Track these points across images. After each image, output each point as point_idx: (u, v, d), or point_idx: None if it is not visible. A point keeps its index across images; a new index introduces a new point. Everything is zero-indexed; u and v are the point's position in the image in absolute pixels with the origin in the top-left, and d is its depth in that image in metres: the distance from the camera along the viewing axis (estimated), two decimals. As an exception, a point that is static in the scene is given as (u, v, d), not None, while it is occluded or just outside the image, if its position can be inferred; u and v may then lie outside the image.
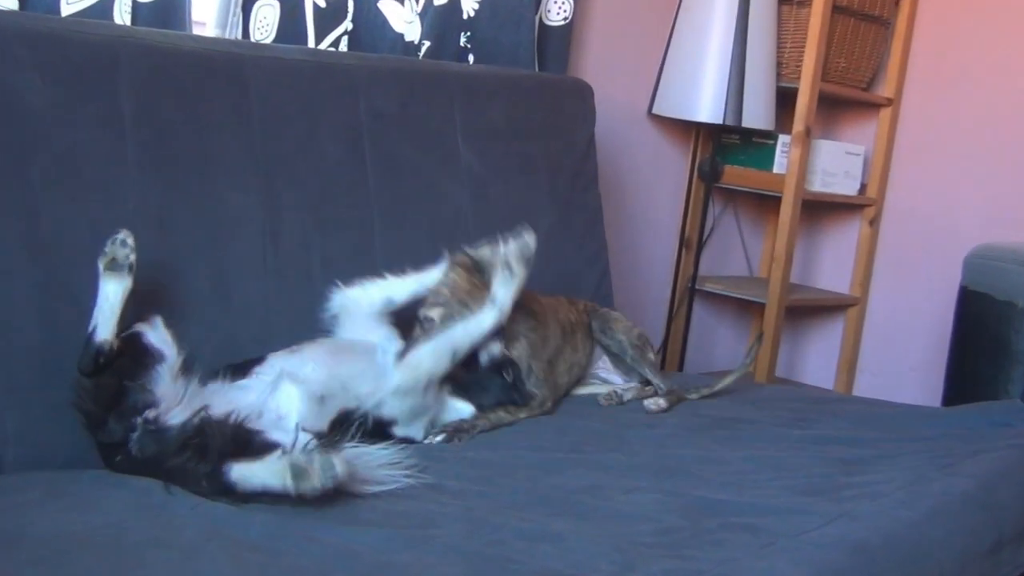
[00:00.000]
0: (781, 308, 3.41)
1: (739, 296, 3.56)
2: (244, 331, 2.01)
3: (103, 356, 1.66)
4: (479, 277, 2.09)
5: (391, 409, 1.87)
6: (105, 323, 1.66)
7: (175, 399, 1.67)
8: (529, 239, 2.07)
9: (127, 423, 1.63)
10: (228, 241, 2.08)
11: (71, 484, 1.61)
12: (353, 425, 1.81)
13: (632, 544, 1.52)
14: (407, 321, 2.08)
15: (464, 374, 2.00)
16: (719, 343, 3.86)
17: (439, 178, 2.47)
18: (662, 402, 2.29)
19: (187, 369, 1.75)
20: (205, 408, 1.65)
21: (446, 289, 2.06)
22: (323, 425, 1.79)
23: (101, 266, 1.69)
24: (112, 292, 1.68)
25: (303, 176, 2.22)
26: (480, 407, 2.03)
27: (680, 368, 3.45)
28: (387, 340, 2.02)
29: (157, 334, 1.74)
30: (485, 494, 1.69)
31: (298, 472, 1.52)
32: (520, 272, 2.04)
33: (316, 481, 1.51)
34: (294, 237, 2.18)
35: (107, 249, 1.69)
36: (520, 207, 2.62)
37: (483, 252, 2.12)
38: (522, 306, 2.15)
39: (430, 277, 2.11)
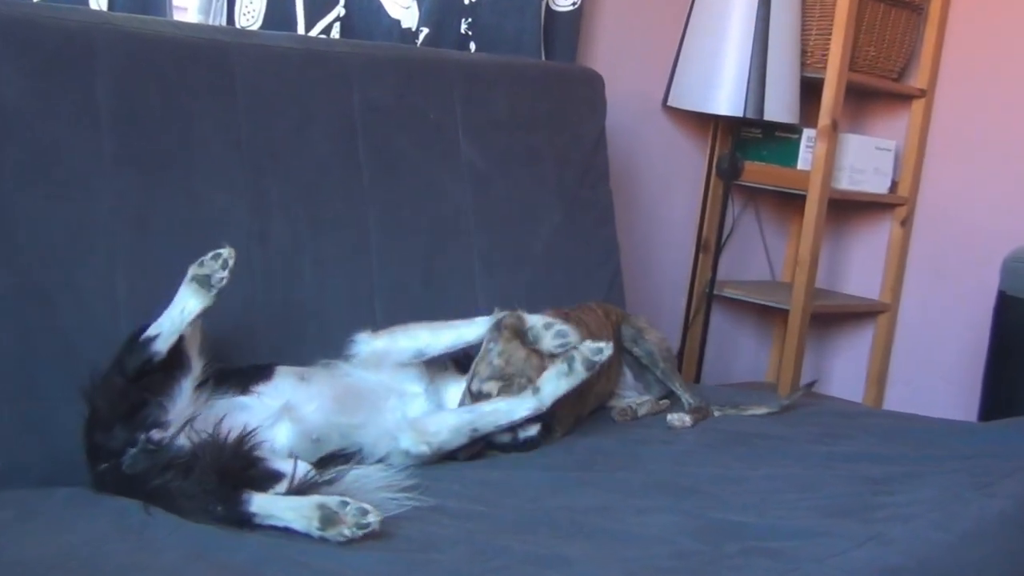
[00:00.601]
0: (806, 315, 3.41)
1: (760, 302, 3.56)
2: (229, 339, 2.01)
3: (150, 365, 1.67)
4: (528, 343, 2.05)
5: (395, 464, 1.88)
6: (168, 335, 1.69)
7: (184, 419, 1.68)
8: (606, 349, 2.00)
9: (131, 436, 1.64)
10: (212, 242, 2.07)
11: (44, 503, 1.61)
12: (344, 459, 1.83)
13: (645, 569, 1.52)
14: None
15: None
16: (739, 353, 3.86)
17: (438, 174, 2.47)
18: (687, 419, 2.29)
19: (204, 381, 1.77)
20: (204, 429, 1.67)
21: (500, 360, 2.00)
22: (311, 460, 1.80)
23: (190, 274, 1.71)
24: (191, 307, 1.70)
25: (293, 172, 2.23)
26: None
27: (697, 379, 3.45)
28: (407, 386, 2.01)
29: (194, 342, 1.76)
30: (488, 515, 1.69)
31: (328, 518, 1.52)
32: (581, 375, 1.98)
33: (346, 530, 1.52)
34: (283, 238, 2.18)
35: (205, 262, 1.72)
36: (525, 205, 2.62)
37: (534, 320, 2.07)
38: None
39: (470, 332, 2.07)
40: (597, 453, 2.06)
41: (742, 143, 3.53)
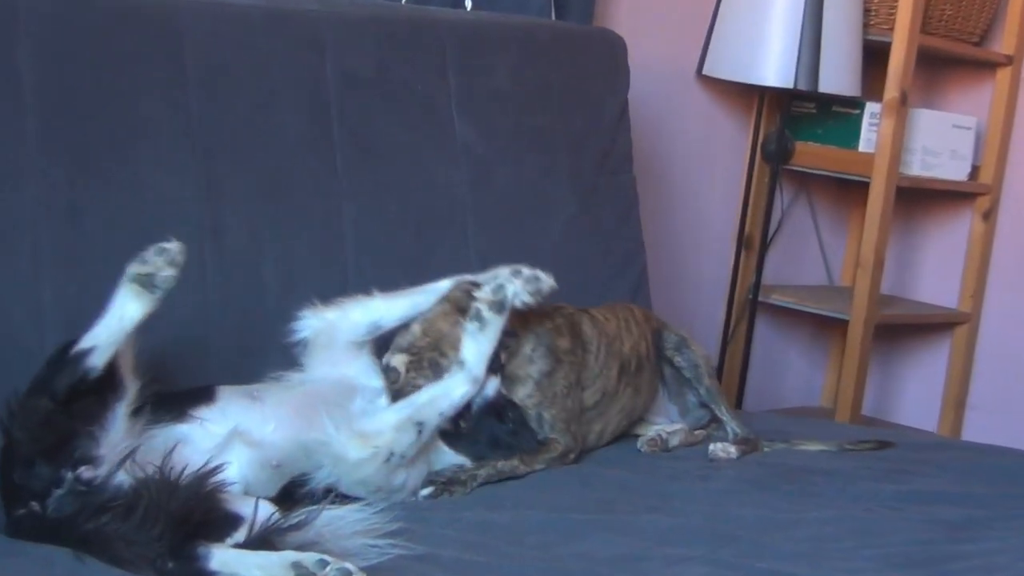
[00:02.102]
0: (869, 327, 3.41)
1: (815, 311, 3.55)
2: (174, 356, 2.01)
3: (84, 385, 1.67)
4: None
5: (348, 487, 1.88)
6: (105, 347, 1.68)
7: (119, 453, 1.67)
8: (511, 281, 2.04)
9: (56, 474, 1.64)
10: (156, 239, 2.08)
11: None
12: (307, 491, 1.83)
13: (677, 631, 1.52)
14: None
15: (451, 428, 2.02)
16: (788, 372, 3.86)
17: (428, 159, 2.47)
18: (732, 450, 2.30)
19: (140, 407, 1.76)
20: (149, 462, 1.67)
21: (419, 328, 2.06)
22: (272, 492, 1.80)
23: (129, 274, 1.70)
24: (131, 313, 1.69)
25: (253, 157, 2.23)
26: (477, 459, 2.04)
27: (738, 404, 3.45)
28: (371, 380, 2.04)
29: (127, 360, 1.76)
30: (488, 567, 1.69)
31: None
32: (494, 322, 2.03)
33: None
34: (241, 235, 2.18)
35: (147, 258, 1.70)
36: (532, 196, 2.62)
37: (491, 280, 2.10)
38: (545, 339, 2.16)
39: (428, 300, 2.11)
40: (619, 490, 2.06)
41: (793, 120, 3.53)
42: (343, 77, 2.36)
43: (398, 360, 2.04)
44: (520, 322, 2.14)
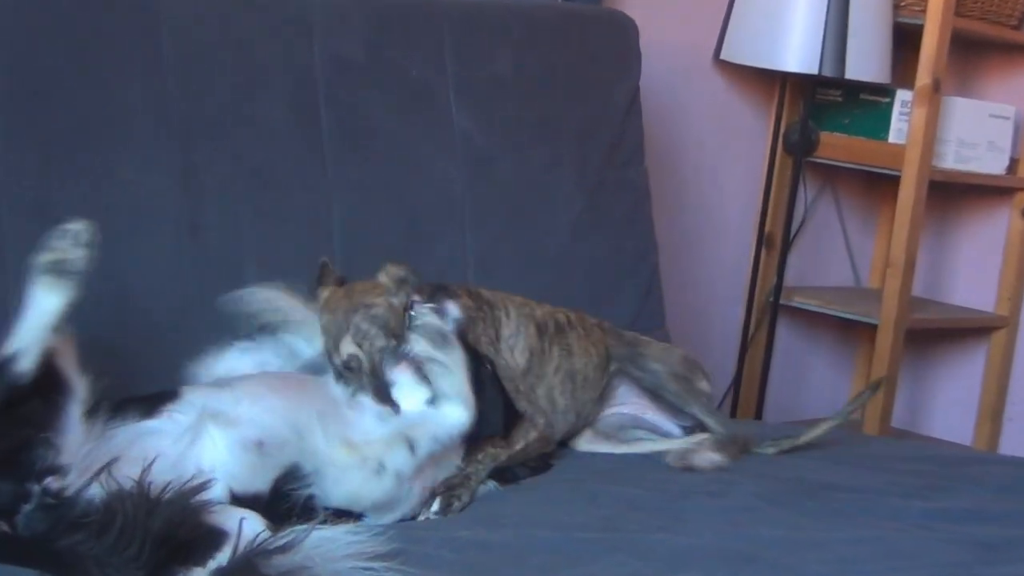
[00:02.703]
0: (899, 332, 3.40)
1: (841, 315, 3.55)
2: (152, 357, 2.01)
3: (19, 391, 1.66)
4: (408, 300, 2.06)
5: (340, 497, 1.87)
6: (30, 348, 1.65)
7: (82, 458, 1.66)
8: (441, 319, 2.04)
9: (20, 487, 1.63)
10: (130, 235, 2.09)
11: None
12: (303, 494, 1.81)
13: (690, 661, 1.52)
14: None
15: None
16: (812, 380, 3.86)
17: (423, 150, 2.47)
18: (716, 457, 2.29)
19: (95, 406, 1.74)
20: (112, 467, 1.65)
21: (381, 305, 2.00)
22: (263, 486, 1.79)
23: (39, 267, 1.67)
24: (50, 306, 1.66)
25: (234, 146, 2.23)
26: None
27: (758, 415, 3.44)
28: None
29: (68, 357, 1.74)
30: (485, 590, 1.69)
31: None
32: (455, 354, 2.00)
33: None
34: (222, 230, 2.18)
35: (53, 244, 1.66)
36: (535, 191, 2.62)
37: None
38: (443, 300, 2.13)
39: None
40: (628, 508, 2.05)
41: (817, 109, 3.52)
42: (332, 61, 2.36)
43: (349, 346, 1.98)
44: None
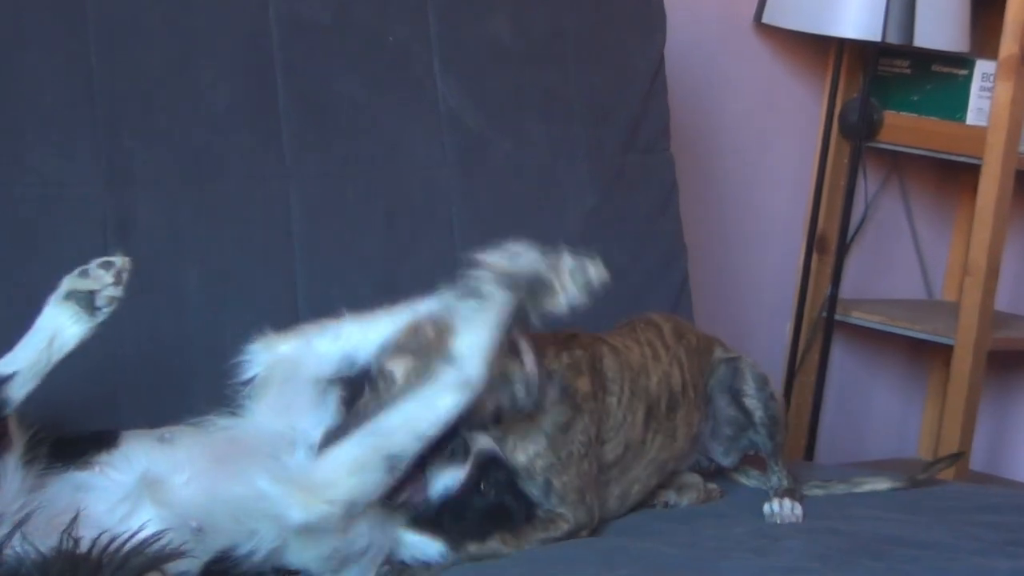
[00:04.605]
0: (980, 354, 3.40)
1: (909, 333, 3.55)
2: (70, 386, 1.99)
3: None
4: None
5: (296, 556, 1.87)
6: (29, 376, 1.72)
7: (15, 511, 1.69)
8: (560, 263, 1.99)
9: None
10: (45, 237, 2.09)
11: None
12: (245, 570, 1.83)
13: None
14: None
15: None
16: (874, 412, 3.86)
17: (402, 131, 2.47)
18: (799, 510, 2.32)
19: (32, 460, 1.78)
20: (40, 521, 1.67)
21: (431, 326, 1.99)
22: (192, 568, 1.79)
23: (64, 289, 1.75)
24: (67, 336, 1.75)
25: (171, 129, 2.23)
26: (457, 543, 2.03)
27: (808, 455, 3.45)
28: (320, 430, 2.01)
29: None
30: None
31: None
32: (499, 302, 1.94)
33: None
34: (156, 229, 2.19)
35: (91, 271, 1.76)
36: (539, 181, 2.63)
37: (526, 262, 2.03)
38: (560, 378, 2.13)
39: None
40: (653, 569, 2.05)
41: (880, 83, 3.53)
42: (290, 23, 2.36)
43: (397, 365, 1.97)
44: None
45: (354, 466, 1.88)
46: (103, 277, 1.75)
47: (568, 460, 2.13)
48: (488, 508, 2.04)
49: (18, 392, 1.72)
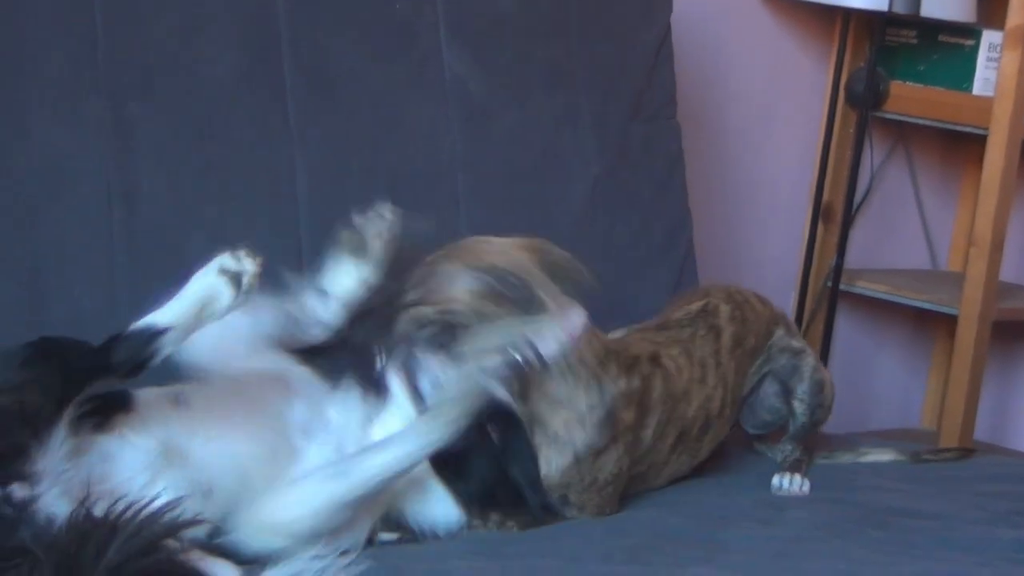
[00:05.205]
0: (985, 324, 3.41)
1: (914, 303, 3.56)
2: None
3: (140, 364, 1.75)
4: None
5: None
6: (181, 333, 1.78)
7: (59, 467, 1.71)
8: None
9: None
10: (49, 205, 2.10)
11: None
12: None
13: None
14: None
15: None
16: (879, 382, 3.86)
17: (406, 100, 2.48)
18: (807, 486, 2.34)
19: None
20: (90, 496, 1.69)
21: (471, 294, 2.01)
22: (212, 531, 1.82)
23: (217, 265, 1.81)
24: (222, 302, 1.80)
25: (176, 99, 2.24)
26: (465, 501, 2.04)
27: (813, 425, 3.45)
28: (343, 379, 2.02)
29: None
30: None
31: None
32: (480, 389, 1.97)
33: None
34: (161, 198, 2.19)
35: (241, 256, 1.82)
36: (544, 150, 2.63)
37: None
38: (608, 400, 2.11)
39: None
40: (657, 537, 2.05)
41: (887, 53, 3.53)
42: (295, -7, 2.37)
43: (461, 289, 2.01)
44: (594, 357, 2.10)
45: (320, 508, 1.87)
46: (249, 266, 1.80)
47: (591, 485, 2.12)
48: (512, 491, 2.06)
49: (168, 348, 1.77)
